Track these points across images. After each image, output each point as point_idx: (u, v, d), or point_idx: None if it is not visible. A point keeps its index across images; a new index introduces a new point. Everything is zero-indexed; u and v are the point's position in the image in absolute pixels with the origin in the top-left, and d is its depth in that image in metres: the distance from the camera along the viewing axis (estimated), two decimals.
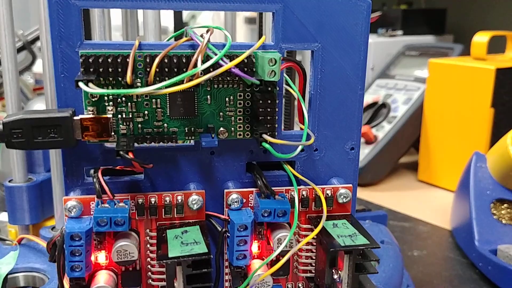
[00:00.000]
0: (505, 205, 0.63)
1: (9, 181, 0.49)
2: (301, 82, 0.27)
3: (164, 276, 0.26)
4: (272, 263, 0.26)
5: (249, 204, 0.28)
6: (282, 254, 0.26)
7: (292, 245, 0.27)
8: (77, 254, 0.25)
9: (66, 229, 0.25)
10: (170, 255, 0.24)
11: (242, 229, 0.26)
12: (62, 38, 0.25)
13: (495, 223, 0.62)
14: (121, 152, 0.23)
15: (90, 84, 0.23)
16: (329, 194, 0.28)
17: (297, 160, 0.28)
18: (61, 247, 0.25)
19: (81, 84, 0.23)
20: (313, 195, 0.28)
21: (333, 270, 0.27)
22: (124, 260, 0.26)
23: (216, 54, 0.24)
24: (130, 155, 0.24)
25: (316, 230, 0.26)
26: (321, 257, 0.27)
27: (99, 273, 0.26)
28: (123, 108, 0.26)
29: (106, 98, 0.25)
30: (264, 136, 0.25)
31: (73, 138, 0.24)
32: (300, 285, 0.30)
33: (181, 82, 0.23)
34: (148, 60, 0.25)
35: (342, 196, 0.29)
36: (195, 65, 0.24)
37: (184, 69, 0.25)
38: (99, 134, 0.25)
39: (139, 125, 0.26)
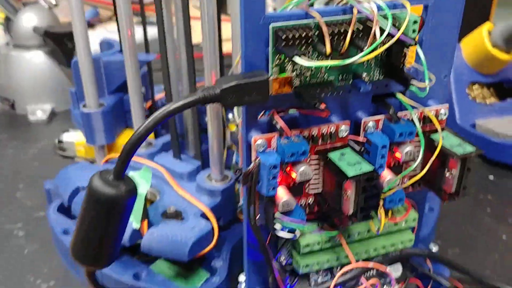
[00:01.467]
0: (476, 86, 0.73)
1: (84, 106, 0.52)
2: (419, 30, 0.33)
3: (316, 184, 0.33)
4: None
5: (378, 129, 0.35)
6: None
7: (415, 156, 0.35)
8: (273, 179, 0.31)
9: (263, 161, 0.31)
10: (349, 174, 0.31)
11: (383, 148, 0.33)
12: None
13: (471, 103, 0.72)
14: (315, 104, 0.29)
15: (302, 57, 0.28)
16: (434, 114, 0.36)
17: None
18: (257, 175, 0.31)
19: (297, 59, 0.28)
20: (422, 116, 0.36)
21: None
22: (303, 180, 0.33)
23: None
24: (323, 105, 0.30)
25: (440, 141, 0.33)
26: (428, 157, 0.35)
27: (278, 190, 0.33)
28: (297, 67, 0.31)
29: (286, 60, 0.30)
30: (413, 81, 0.32)
31: (268, 94, 0.30)
32: None
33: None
34: (336, 30, 0.30)
35: (442, 114, 0.36)
36: (374, 35, 0.29)
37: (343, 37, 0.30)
38: (282, 88, 0.30)
39: (307, 78, 0.32)
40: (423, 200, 0.41)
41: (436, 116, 0.36)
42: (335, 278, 0.35)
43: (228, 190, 0.48)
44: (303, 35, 0.29)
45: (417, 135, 0.35)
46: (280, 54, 0.30)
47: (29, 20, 0.75)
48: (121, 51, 0.55)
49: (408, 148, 0.35)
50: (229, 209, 0.48)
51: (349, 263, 0.38)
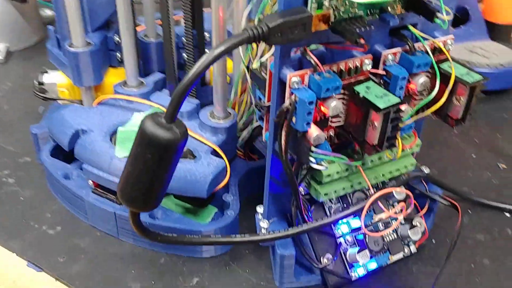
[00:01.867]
0: None
1: (69, 46, 0.50)
2: None
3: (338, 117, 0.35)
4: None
5: (396, 61, 0.36)
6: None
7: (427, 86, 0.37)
8: (309, 114, 0.32)
9: (301, 97, 0.32)
10: (381, 107, 0.33)
11: (403, 79, 0.35)
12: None
13: None
14: (356, 39, 0.30)
15: None
16: (442, 45, 0.38)
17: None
18: (293, 112, 0.32)
19: None
20: (432, 47, 0.37)
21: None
22: (334, 114, 0.34)
23: None
24: (362, 41, 0.31)
25: (453, 71, 0.36)
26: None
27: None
28: (333, 3, 0.32)
29: None
30: (438, 14, 0.33)
31: (310, 31, 0.30)
32: None
33: None
34: None
35: (449, 44, 0.38)
36: None
37: None
38: (320, 24, 0.31)
39: (341, 13, 0.32)
40: (419, 127, 0.43)
41: (444, 46, 0.38)
42: (369, 201, 0.37)
43: (232, 127, 0.48)
44: None
45: (431, 66, 0.37)
46: None
47: None
48: None
49: (422, 79, 0.37)
50: (232, 146, 0.49)
51: (360, 189, 0.41)
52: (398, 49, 0.36)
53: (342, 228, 0.41)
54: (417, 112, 0.38)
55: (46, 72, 0.55)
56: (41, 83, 0.54)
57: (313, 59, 0.32)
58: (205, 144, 0.47)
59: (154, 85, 0.53)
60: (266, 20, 0.29)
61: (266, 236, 0.36)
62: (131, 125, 0.46)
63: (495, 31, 0.74)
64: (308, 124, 0.33)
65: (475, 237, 0.48)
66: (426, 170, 0.47)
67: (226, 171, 0.45)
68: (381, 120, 0.33)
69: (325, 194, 0.39)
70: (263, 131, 0.37)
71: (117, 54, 0.55)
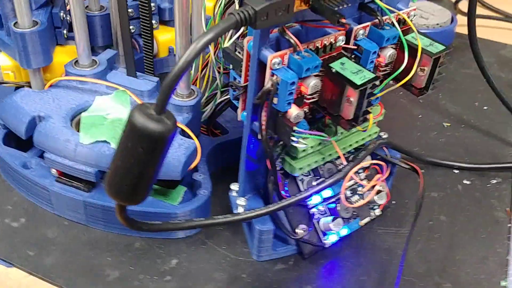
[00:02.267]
0: None
1: (14, 25, 0.47)
2: None
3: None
4: None
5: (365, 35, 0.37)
6: None
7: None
8: (290, 94, 0.33)
9: (284, 78, 0.32)
10: (358, 83, 0.33)
11: (374, 53, 0.36)
12: None
13: None
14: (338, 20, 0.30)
15: None
16: (407, 17, 0.39)
17: None
18: (275, 92, 0.33)
19: None
20: (397, 19, 0.39)
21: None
22: (313, 92, 0.34)
23: None
24: (343, 20, 0.31)
25: (419, 43, 0.37)
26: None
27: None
28: None
29: None
30: None
31: (292, 12, 0.30)
32: None
33: None
34: None
35: (412, 16, 0.39)
36: None
37: None
38: (301, 5, 0.31)
39: None
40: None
41: (408, 18, 0.39)
42: (350, 172, 0.38)
43: (197, 105, 0.48)
44: None
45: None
46: None
47: None
48: None
49: (390, 51, 0.38)
50: (198, 123, 0.49)
51: (331, 160, 0.42)
52: (367, 24, 0.37)
53: (314, 199, 0.42)
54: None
55: None
56: None
57: (293, 39, 0.32)
58: None
59: (108, 63, 0.51)
60: (251, 3, 0.29)
61: (248, 214, 0.36)
62: (94, 110, 0.44)
63: None
64: (289, 104, 0.33)
65: (430, 195, 0.51)
66: (384, 136, 0.49)
67: (197, 151, 0.45)
68: (357, 96, 0.34)
69: (300, 169, 0.40)
70: (239, 110, 0.37)
71: (64, 31, 0.53)
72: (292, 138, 0.34)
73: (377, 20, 0.37)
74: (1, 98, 0.52)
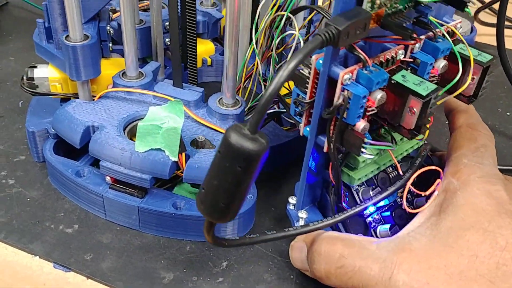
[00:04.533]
0: None
1: (66, 38, 0.48)
2: None
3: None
4: None
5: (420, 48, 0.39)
6: None
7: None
8: (361, 108, 0.34)
9: (356, 93, 0.33)
10: (424, 94, 0.35)
11: (431, 65, 0.38)
12: None
13: None
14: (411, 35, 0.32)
15: None
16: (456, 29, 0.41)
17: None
18: (346, 106, 0.34)
19: None
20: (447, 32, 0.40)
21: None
22: (380, 105, 0.36)
23: None
24: (415, 35, 0.32)
25: (470, 53, 0.39)
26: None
27: None
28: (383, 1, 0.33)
29: None
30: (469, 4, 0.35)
31: (368, 30, 0.32)
32: None
33: None
34: None
35: (458, 28, 0.41)
36: None
37: None
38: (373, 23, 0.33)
39: (387, 10, 0.34)
40: None
41: (456, 30, 0.41)
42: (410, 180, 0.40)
43: (241, 114, 0.49)
44: None
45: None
46: None
47: None
48: None
49: (443, 63, 0.39)
50: None
51: (384, 169, 0.43)
52: (422, 37, 0.39)
53: (369, 208, 0.44)
54: None
55: (35, 66, 0.52)
56: (31, 78, 0.51)
57: (363, 55, 0.34)
58: (221, 132, 0.48)
59: (153, 75, 0.52)
60: (334, 23, 0.30)
61: (318, 225, 0.38)
62: (149, 120, 0.45)
63: None
64: (359, 117, 0.34)
65: None
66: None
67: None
68: (420, 106, 0.36)
69: (358, 179, 0.41)
70: (301, 125, 0.38)
71: (109, 44, 0.54)
72: (362, 149, 0.35)
73: (431, 33, 0.38)
74: (47, 109, 0.53)
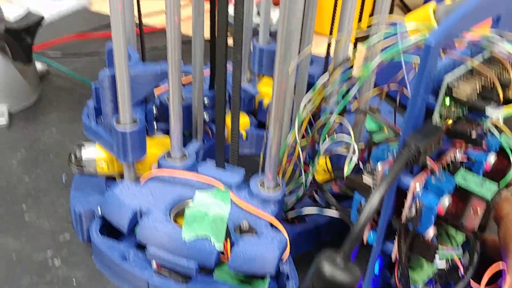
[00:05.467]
0: None
1: (118, 123, 0.45)
2: None
3: None
4: None
5: None
6: None
7: None
8: (433, 216, 0.31)
9: (429, 204, 0.31)
10: (489, 197, 0.32)
11: (484, 161, 0.35)
12: None
13: None
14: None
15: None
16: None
17: None
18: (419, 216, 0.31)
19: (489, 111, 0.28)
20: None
21: None
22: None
23: None
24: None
25: None
26: None
27: None
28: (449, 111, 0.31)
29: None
30: None
31: (441, 143, 0.29)
32: None
33: None
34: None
35: (500, 119, 0.38)
36: None
37: None
38: None
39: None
40: None
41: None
42: None
43: (282, 198, 0.46)
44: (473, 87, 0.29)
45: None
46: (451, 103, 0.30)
47: None
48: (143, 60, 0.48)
49: (493, 158, 0.37)
50: (281, 214, 0.47)
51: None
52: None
53: None
54: None
55: (83, 145, 0.49)
56: (78, 158, 0.49)
57: (431, 163, 0.31)
58: (263, 217, 0.45)
59: (196, 156, 0.49)
60: (413, 141, 0.28)
61: None
62: (196, 206, 0.43)
63: None
64: (430, 225, 0.32)
65: None
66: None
67: (287, 244, 0.43)
68: (484, 207, 0.33)
69: (422, 280, 0.38)
70: (366, 232, 0.35)
71: (154, 123, 0.51)
72: (435, 257, 0.32)
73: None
74: (91, 185, 0.51)
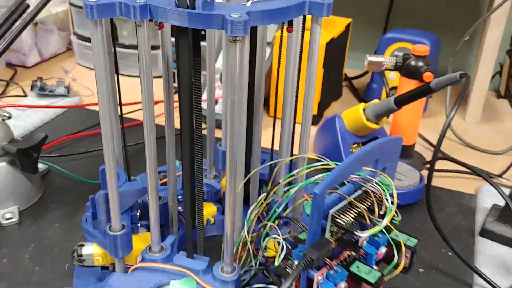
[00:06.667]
0: (355, 145, 0.93)
1: (109, 228, 0.59)
2: None
3: None
4: None
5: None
6: None
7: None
8: None
9: None
10: (373, 282, 0.46)
11: (375, 254, 0.49)
12: None
13: None
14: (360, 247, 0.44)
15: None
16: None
17: None
18: None
19: (359, 232, 0.42)
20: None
21: None
22: None
23: None
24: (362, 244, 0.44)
25: (401, 241, 0.50)
26: None
27: None
28: (336, 229, 0.45)
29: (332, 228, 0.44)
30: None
31: (331, 250, 0.44)
32: None
33: None
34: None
35: (395, 219, 0.53)
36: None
37: None
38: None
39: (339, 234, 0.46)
40: None
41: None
42: None
43: (238, 279, 0.59)
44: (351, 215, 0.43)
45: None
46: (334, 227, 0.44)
47: None
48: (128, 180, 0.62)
49: (384, 249, 0.51)
50: None
51: None
52: (366, 236, 0.50)
53: None
54: None
55: (83, 245, 0.63)
56: (80, 255, 0.62)
57: (331, 264, 0.45)
58: None
59: (171, 248, 0.63)
60: (308, 254, 0.42)
61: None
62: None
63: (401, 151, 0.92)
64: None
65: None
66: None
67: None
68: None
69: None
70: None
71: (138, 225, 0.65)
72: None
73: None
74: (89, 273, 0.63)
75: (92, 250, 0.63)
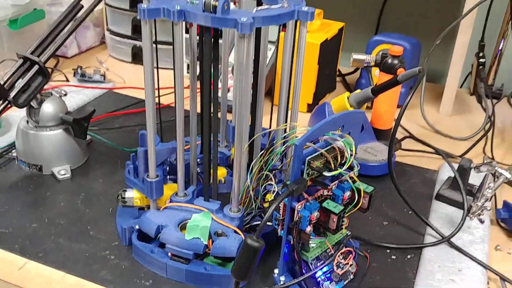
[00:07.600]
0: None
1: (147, 176, 0.78)
2: None
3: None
4: None
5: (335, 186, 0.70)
6: None
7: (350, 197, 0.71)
8: (307, 221, 0.65)
9: (304, 215, 0.64)
10: (336, 212, 0.65)
11: (342, 195, 0.69)
12: None
13: None
14: (328, 187, 0.63)
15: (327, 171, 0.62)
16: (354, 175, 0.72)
17: None
18: (299, 221, 0.64)
19: (326, 172, 0.62)
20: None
21: None
22: (317, 218, 0.66)
23: None
24: (330, 187, 0.64)
25: (361, 188, 0.70)
26: None
27: None
28: (312, 172, 0.65)
29: (309, 171, 0.64)
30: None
31: (307, 185, 0.63)
32: None
33: None
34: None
35: (355, 173, 0.72)
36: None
37: None
38: (309, 183, 0.64)
39: (314, 174, 0.66)
40: None
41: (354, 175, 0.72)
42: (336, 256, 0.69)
43: (242, 216, 0.78)
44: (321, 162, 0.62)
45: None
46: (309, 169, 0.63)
47: (49, 108, 0.95)
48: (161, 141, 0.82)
49: (348, 193, 0.70)
50: (242, 227, 0.79)
51: (326, 251, 0.72)
52: (335, 182, 0.69)
53: (318, 273, 0.72)
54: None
55: (125, 190, 0.82)
56: (123, 197, 0.82)
57: (308, 198, 0.64)
58: (230, 228, 0.77)
59: (192, 194, 0.82)
60: (290, 186, 0.61)
61: (290, 283, 0.67)
62: (192, 221, 0.75)
63: (379, 134, 1.08)
64: (307, 225, 0.64)
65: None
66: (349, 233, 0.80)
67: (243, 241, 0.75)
68: (337, 218, 0.66)
69: (311, 257, 0.70)
70: (279, 229, 0.68)
71: (168, 177, 0.84)
72: (310, 242, 0.65)
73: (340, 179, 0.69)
74: (129, 213, 0.83)
75: (132, 194, 0.83)
